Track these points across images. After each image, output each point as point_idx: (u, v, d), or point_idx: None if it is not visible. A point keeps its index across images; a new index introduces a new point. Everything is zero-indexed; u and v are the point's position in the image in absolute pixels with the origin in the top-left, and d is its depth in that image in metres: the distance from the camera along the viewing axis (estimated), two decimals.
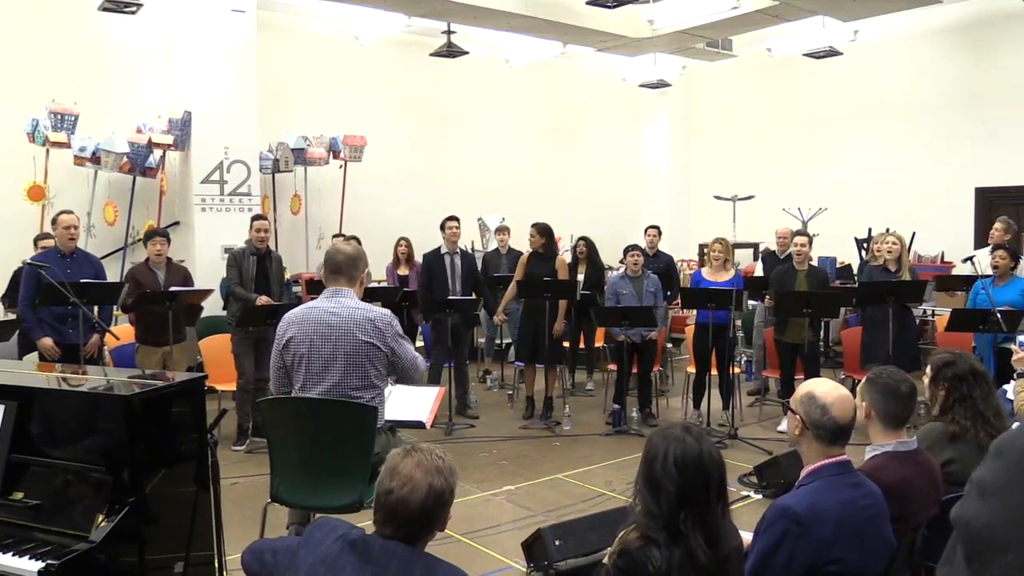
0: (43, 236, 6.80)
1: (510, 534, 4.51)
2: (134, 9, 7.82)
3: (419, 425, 3.92)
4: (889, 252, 6.55)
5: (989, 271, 6.40)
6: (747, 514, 4.47)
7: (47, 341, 5.66)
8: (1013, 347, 4.29)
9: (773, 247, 8.47)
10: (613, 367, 7.34)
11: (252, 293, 6.22)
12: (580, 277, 7.63)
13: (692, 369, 7.06)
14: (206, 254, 8.28)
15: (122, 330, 6.53)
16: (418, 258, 7.66)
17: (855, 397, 2.54)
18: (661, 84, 11.82)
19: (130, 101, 8.59)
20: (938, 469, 2.70)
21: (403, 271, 7.92)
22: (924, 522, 2.61)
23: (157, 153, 8.42)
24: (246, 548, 2.16)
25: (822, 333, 7.89)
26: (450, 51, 9.87)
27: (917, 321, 7.38)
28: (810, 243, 6.99)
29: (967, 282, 6.99)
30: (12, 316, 6.38)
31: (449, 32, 9.82)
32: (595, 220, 10.78)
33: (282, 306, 5.60)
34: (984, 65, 10.09)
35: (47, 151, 7.89)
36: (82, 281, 5.48)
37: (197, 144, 8.39)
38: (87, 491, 2.50)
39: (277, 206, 9.60)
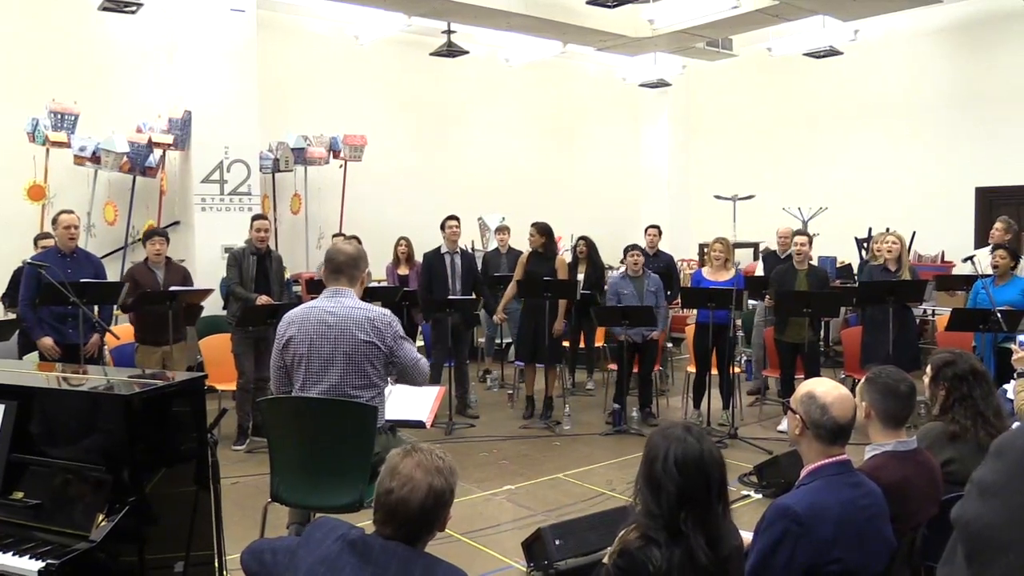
0: (43, 236, 6.80)
1: (510, 534, 4.51)
2: (134, 9, 7.82)
3: (419, 425, 3.93)
4: (889, 252, 6.55)
5: (989, 271, 6.40)
6: (747, 514, 4.47)
7: (47, 341, 5.66)
8: (1013, 347, 4.28)
9: (773, 247, 8.46)
10: (613, 366, 7.34)
11: (252, 293, 6.22)
12: (580, 277, 7.63)
13: (692, 369, 7.06)
14: (206, 254, 8.29)
15: (122, 330, 6.53)
16: (418, 258, 7.66)
17: (855, 397, 2.54)
18: (661, 84, 11.82)
19: (130, 101, 8.59)
20: (938, 469, 2.70)
21: (403, 271, 7.92)
22: (924, 522, 2.61)
23: (157, 153, 8.43)
24: (245, 548, 2.15)
25: (822, 333, 7.89)
26: (450, 51, 9.87)
27: (917, 321, 7.37)
28: (810, 243, 6.98)
29: (967, 282, 6.98)
30: (12, 316, 6.39)
31: (449, 32, 9.82)
32: (595, 220, 10.78)
33: (282, 306, 5.60)
34: (984, 65, 10.09)
35: (47, 151, 7.89)
36: (82, 281, 5.48)
37: (197, 144, 8.39)
38: (87, 491, 2.50)
39: (277, 206, 9.60)
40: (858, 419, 2.49)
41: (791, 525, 2.21)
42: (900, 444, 2.61)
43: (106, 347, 6.25)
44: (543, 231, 7.08)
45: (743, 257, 10.43)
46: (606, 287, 7.49)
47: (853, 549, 2.25)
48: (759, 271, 8.49)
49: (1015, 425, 3.06)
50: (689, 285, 7.47)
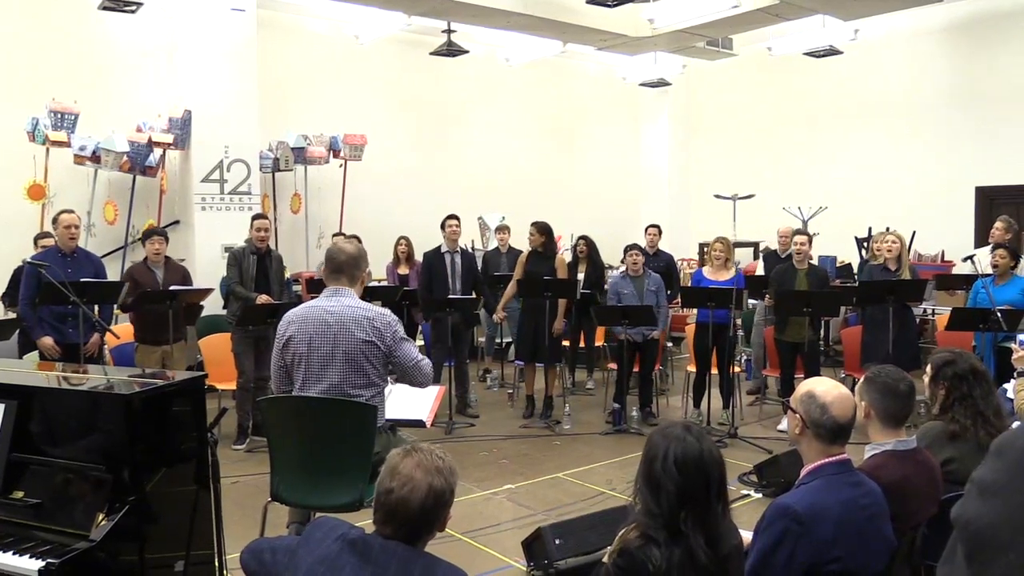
0: (43, 235, 6.80)
1: (510, 533, 4.51)
2: (134, 8, 7.82)
3: (419, 424, 3.93)
4: (889, 251, 6.55)
5: (989, 270, 6.40)
6: (747, 513, 4.47)
7: (47, 340, 5.66)
8: (1013, 346, 4.29)
9: (773, 246, 8.46)
10: (613, 366, 7.34)
11: (252, 292, 6.22)
12: (580, 276, 7.63)
13: (692, 368, 7.06)
14: (206, 253, 8.28)
15: (122, 329, 6.52)
16: (418, 257, 7.66)
17: (855, 396, 2.54)
18: (661, 83, 11.82)
19: (130, 100, 8.59)
20: (938, 468, 2.70)
21: (403, 270, 7.92)
22: (924, 521, 2.61)
23: (157, 152, 8.42)
24: (245, 547, 2.15)
25: (822, 332, 7.89)
26: (450, 50, 9.87)
27: (917, 320, 7.37)
28: (810, 242, 6.98)
29: (967, 281, 6.98)
30: (12, 315, 6.39)
31: (449, 31, 9.82)
32: (595, 219, 10.77)
33: (282, 305, 5.61)
34: (985, 64, 10.09)
35: (47, 150, 7.89)
36: (82, 280, 5.48)
37: (197, 143, 8.39)
38: (87, 490, 2.50)
39: (277, 205, 9.60)
40: (858, 418, 2.49)
41: (791, 524, 2.21)
42: (900, 443, 2.61)
43: (106, 346, 6.25)
44: (543, 230, 7.08)
45: (743, 256, 10.43)
46: (606, 287, 7.49)
47: (853, 548, 2.25)
48: (759, 270, 8.48)
49: (1015, 424, 3.06)
50: (690, 284, 7.47)
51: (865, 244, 9.65)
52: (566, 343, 7.73)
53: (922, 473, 2.61)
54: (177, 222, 8.61)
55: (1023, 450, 1.35)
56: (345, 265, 3.47)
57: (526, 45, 10.96)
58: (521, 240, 7.92)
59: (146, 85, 8.72)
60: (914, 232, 9.12)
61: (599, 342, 8.33)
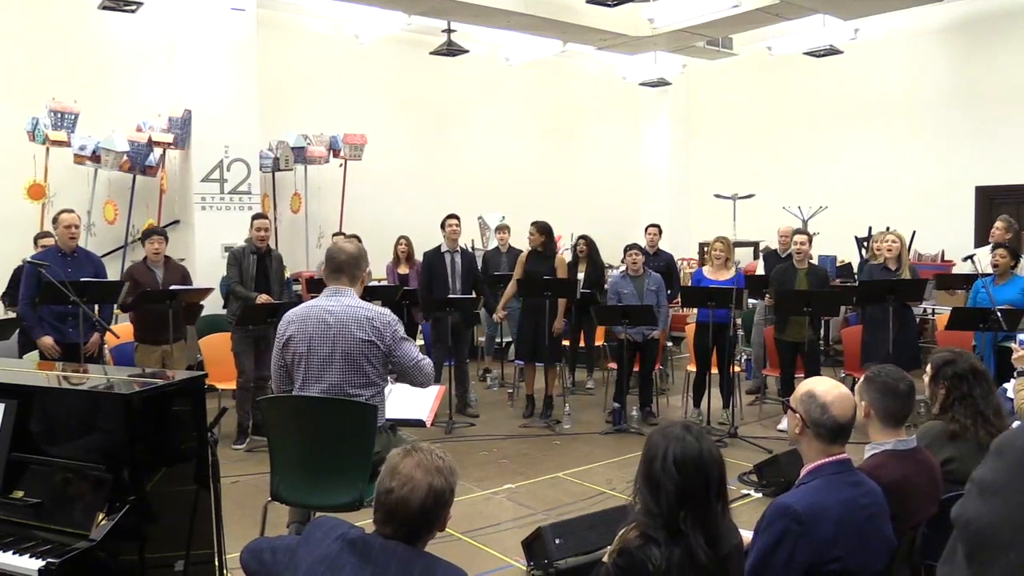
0: (43, 235, 6.80)
1: (510, 532, 4.51)
2: (134, 7, 7.81)
3: (419, 424, 3.93)
4: (889, 250, 6.55)
5: (989, 270, 6.40)
6: (747, 512, 4.47)
7: (47, 340, 5.66)
8: (1013, 346, 4.29)
9: (774, 246, 8.46)
10: (613, 365, 7.34)
11: (252, 292, 6.22)
12: (580, 276, 7.63)
13: (692, 368, 7.06)
14: (206, 253, 8.29)
15: (123, 328, 6.53)
16: (418, 256, 7.66)
17: (855, 396, 2.54)
18: (661, 83, 11.82)
19: (130, 99, 8.59)
20: (938, 467, 2.70)
21: (403, 269, 7.92)
22: (924, 520, 2.61)
23: (157, 152, 8.42)
24: (245, 547, 2.15)
25: (822, 332, 7.89)
26: (450, 49, 9.86)
27: (917, 320, 7.37)
28: (810, 241, 6.98)
29: (967, 281, 6.98)
30: (12, 315, 6.39)
31: (449, 30, 9.81)
32: (595, 219, 10.77)
33: (282, 305, 5.61)
34: (985, 63, 10.09)
35: (47, 150, 7.89)
36: (82, 280, 5.48)
37: (197, 143, 8.39)
38: (87, 489, 2.50)
39: (277, 205, 9.60)
40: (858, 418, 2.49)
41: (791, 524, 2.21)
42: (900, 443, 2.61)
43: (106, 346, 6.24)
44: (543, 230, 7.07)
45: (743, 256, 10.43)
46: (606, 286, 7.49)
47: (853, 548, 2.25)
48: (760, 270, 8.48)
49: (1015, 424, 3.06)
50: (690, 284, 7.47)
51: (865, 244, 9.65)
52: (566, 343, 7.73)
53: (922, 473, 2.61)
54: (177, 222, 8.61)
55: (1023, 449, 1.35)
56: (345, 265, 3.46)
57: (526, 45, 10.96)
58: (521, 240, 7.92)
59: (146, 85, 8.72)
60: (914, 232, 9.12)
61: (599, 342, 8.33)
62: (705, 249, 9.33)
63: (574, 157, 12.64)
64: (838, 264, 9.76)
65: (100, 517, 2.43)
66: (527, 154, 11.99)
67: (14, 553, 2.38)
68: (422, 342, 7.85)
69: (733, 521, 2.15)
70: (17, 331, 6.18)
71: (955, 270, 8.43)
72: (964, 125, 10.22)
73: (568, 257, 8.02)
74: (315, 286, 6.93)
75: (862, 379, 2.73)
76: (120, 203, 8.46)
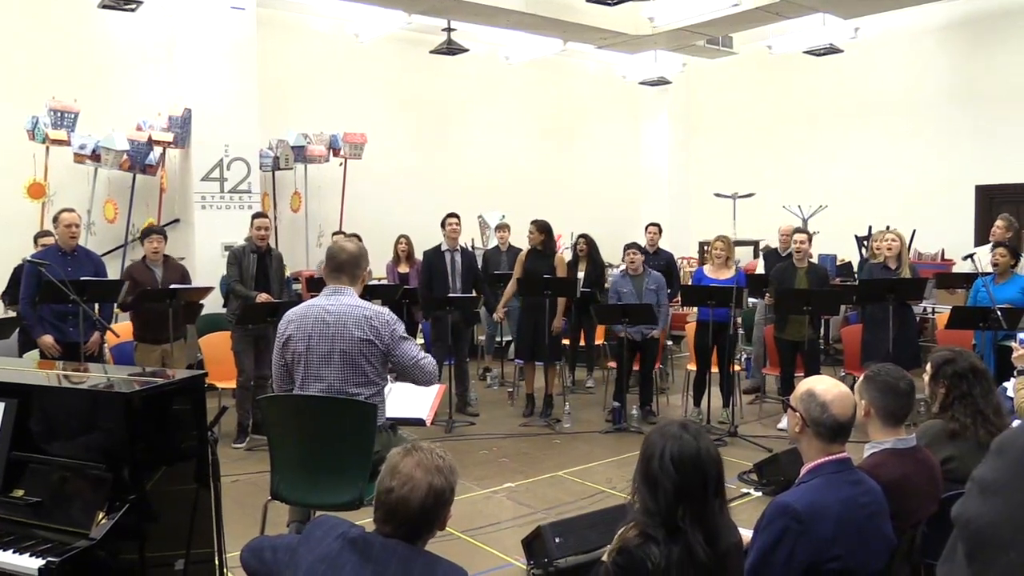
0: (43, 234, 6.80)
1: (510, 531, 4.51)
2: (134, 7, 7.81)
3: (419, 423, 3.93)
4: (889, 249, 6.55)
5: (989, 269, 6.39)
6: (747, 511, 4.47)
7: (47, 339, 5.66)
8: (1013, 344, 4.28)
9: (774, 244, 8.46)
10: (613, 364, 7.34)
11: (252, 291, 6.22)
12: (580, 275, 7.63)
13: (692, 367, 7.06)
14: (206, 251, 8.29)
15: (123, 327, 6.52)
16: (418, 255, 7.66)
17: (855, 395, 2.54)
18: (661, 81, 11.81)
19: (130, 98, 8.59)
20: (938, 466, 2.70)
21: (403, 268, 7.92)
22: (924, 519, 2.61)
23: (157, 150, 8.43)
24: (245, 546, 2.15)
25: (822, 331, 7.89)
26: (450, 48, 9.86)
27: (917, 319, 7.37)
28: (810, 240, 6.98)
29: (967, 280, 6.98)
30: (12, 314, 6.39)
31: (449, 29, 9.81)
32: (595, 218, 10.77)
33: (282, 304, 5.60)
34: (984, 62, 10.08)
35: (47, 149, 7.89)
36: (82, 279, 5.48)
37: (197, 142, 8.39)
38: (87, 488, 2.50)
39: (277, 204, 9.60)
40: (858, 417, 2.49)
41: (791, 523, 2.21)
42: (900, 442, 2.61)
43: (106, 345, 6.24)
44: (543, 229, 7.07)
45: (743, 255, 10.43)
46: (607, 285, 7.49)
47: (853, 547, 2.25)
48: (760, 269, 8.49)
49: (1015, 423, 3.06)
50: (690, 283, 7.47)
51: (865, 242, 9.65)
52: (566, 341, 7.73)
53: (922, 471, 2.61)
54: (177, 220, 8.61)
55: None
56: (346, 264, 3.47)
57: (526, 43, 10.96)
58: (521, 238, 7.92)
59: (146, 84, 8.72)
60: (914, 231, 9.12)
61: (599, 341, 8.33)
62: (705, 248, 9.33)
63: (574, 156, 12.64)
64: (838, 263, 9.76)
65: (100, 516, 2.43)
66: (527, 153, 11.99)
67: (14, 552, 2.37)
68: (422, 341, 7.86)
69: (731, 519, 2.16)
70: (17, 330, 6.18)
71: (955, 269, 8.44)
72: (964, 124, 10.22)
73: (568, 256, 8.02)
74: (315, 285, 6.93)
75: (862, 378, 2.73)
76: (120, 202, 8.47)
